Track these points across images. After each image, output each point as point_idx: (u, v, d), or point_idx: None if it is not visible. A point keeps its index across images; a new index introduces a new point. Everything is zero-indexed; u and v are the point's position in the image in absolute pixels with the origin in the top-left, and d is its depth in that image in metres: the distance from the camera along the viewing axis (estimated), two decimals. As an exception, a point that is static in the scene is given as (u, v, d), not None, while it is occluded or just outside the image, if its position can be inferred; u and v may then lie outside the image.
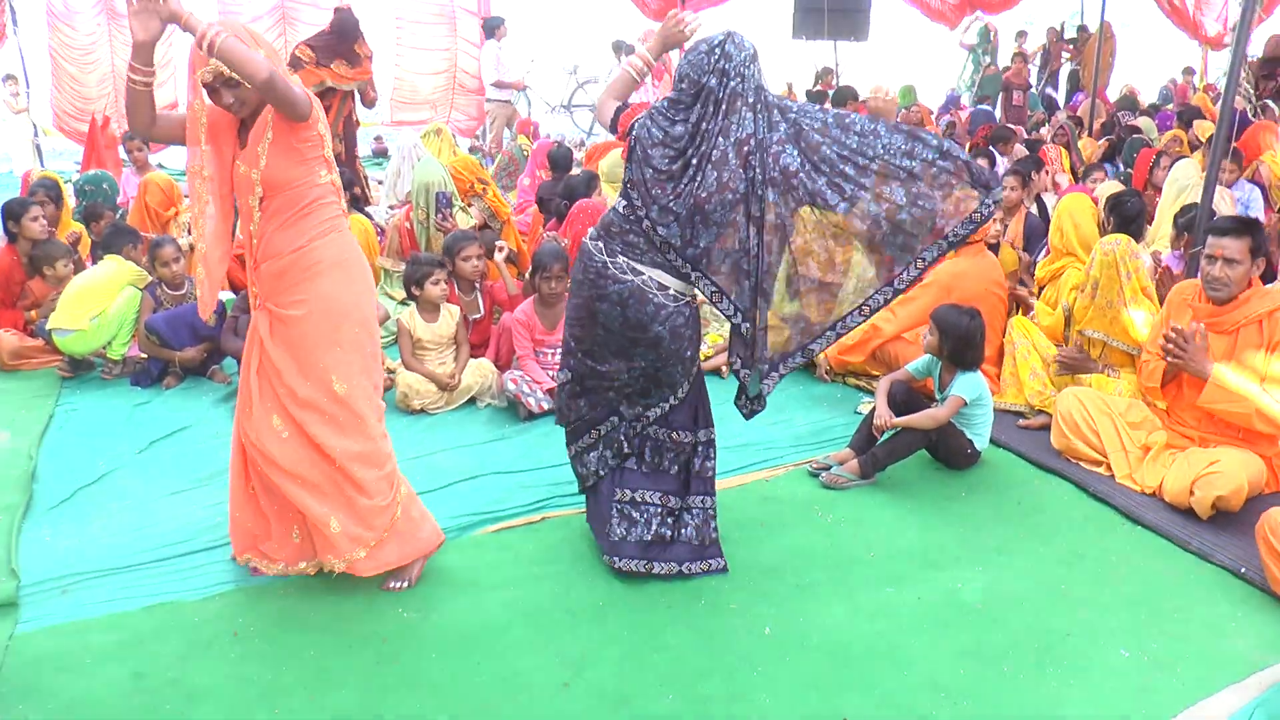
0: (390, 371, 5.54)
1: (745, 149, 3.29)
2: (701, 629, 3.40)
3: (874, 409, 4.57)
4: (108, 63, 13.32)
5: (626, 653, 3.28)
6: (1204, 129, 10.88)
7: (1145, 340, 4.71)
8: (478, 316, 5.85)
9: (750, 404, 3.69)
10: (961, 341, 4.51)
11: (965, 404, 4.46)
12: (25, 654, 3.28)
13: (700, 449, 3.77)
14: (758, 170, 3.29)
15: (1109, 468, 4.46)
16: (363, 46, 8.77)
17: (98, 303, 5.76)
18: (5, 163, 13.26)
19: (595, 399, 3.71)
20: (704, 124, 3.32)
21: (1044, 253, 6.15)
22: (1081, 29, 16.96)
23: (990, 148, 9.85)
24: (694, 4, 11.35)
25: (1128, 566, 3.81)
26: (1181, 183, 7.23)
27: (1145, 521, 4.09)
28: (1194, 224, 5.39)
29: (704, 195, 3.28)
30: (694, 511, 3.75)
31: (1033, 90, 15.85)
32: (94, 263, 7.01)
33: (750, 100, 3.32)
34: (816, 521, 4.14)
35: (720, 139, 3.29)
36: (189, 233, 3.25)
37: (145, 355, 5.89)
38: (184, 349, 5.79)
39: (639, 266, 3.45)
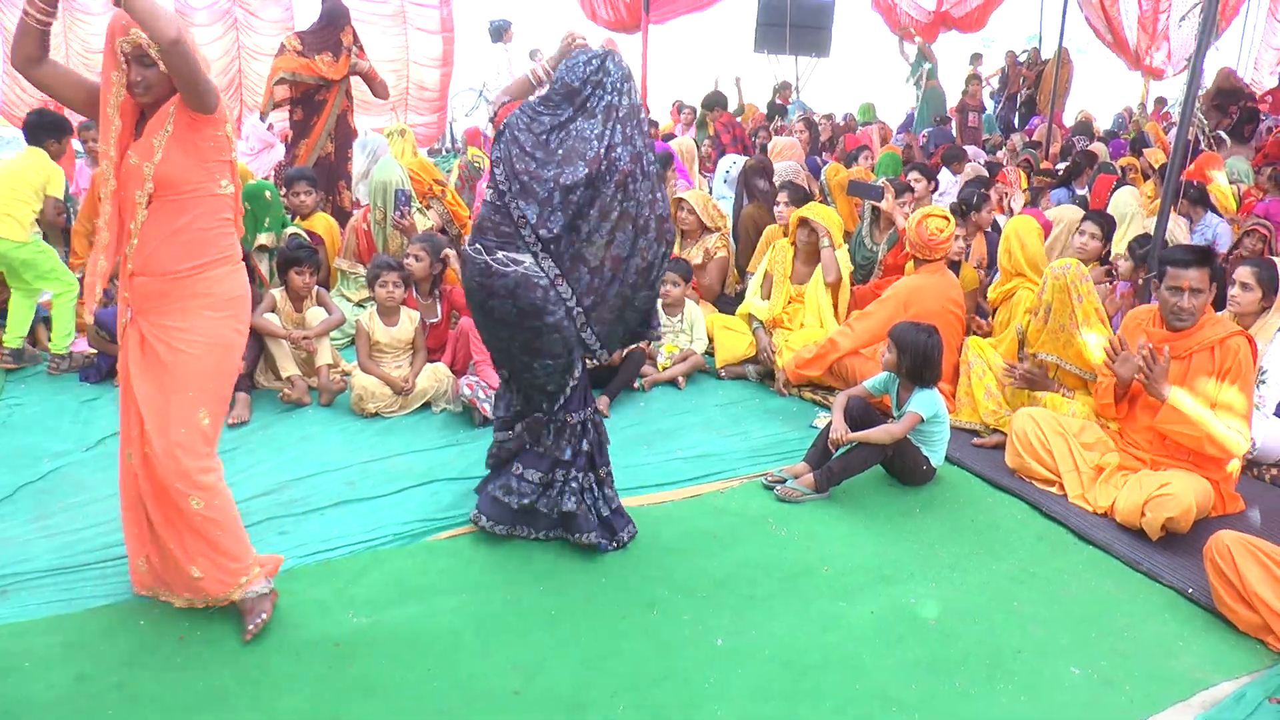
0: (345, 374, 5.48)
1: (613, 154, 3.58)
2: (654, 638, 3.38)
3: (830, 423, 4.58)
4: (63, 52, 13.08)
5: (578, 660, 3.26)
6: (1154, 157, 11.11)
7: (1098, 363, 4.76)
8: (435, 321, 5.80)
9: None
10: (919, 359, 4.54)
11: (922, 420, 4.49)
12: (-41, 657, 3.18)
13: (589, 426, 3.95)
14: (605, 165, 3.57)
15: (1062, 487, 4.51)
16: (348, 35, 8.33)
17: (26, 200, 5.74)
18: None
19: (524, 399, 3.92)
20: (571, 121, 3.61)
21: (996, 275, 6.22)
22: (1033, 52, 17.20)
23: (946, 167, 9.97)
24: (658, 16, 11.34)
25: (1079, 585, 3.84)
26: (1121, 210, 7.34)
27: (1096, 541, 4.13)
28: (1151, 253, 5.47)
29: (565, 182, 3.53)
30: (573, 483, 3.92)
31: (988, 113, 16.05)
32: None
33: (620, 114, 3.62)
34: (770, 534, 4.13)
35: (595, 144, 3.56)
36: (102, 220, 3.15)
37: (94, 350, 5.78)
38: None
39: (517, 256, 3.60)
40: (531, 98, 3.77)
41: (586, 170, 3.54)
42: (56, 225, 6.64)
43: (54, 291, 5.82)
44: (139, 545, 3.40)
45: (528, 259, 3.59)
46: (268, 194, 6.32)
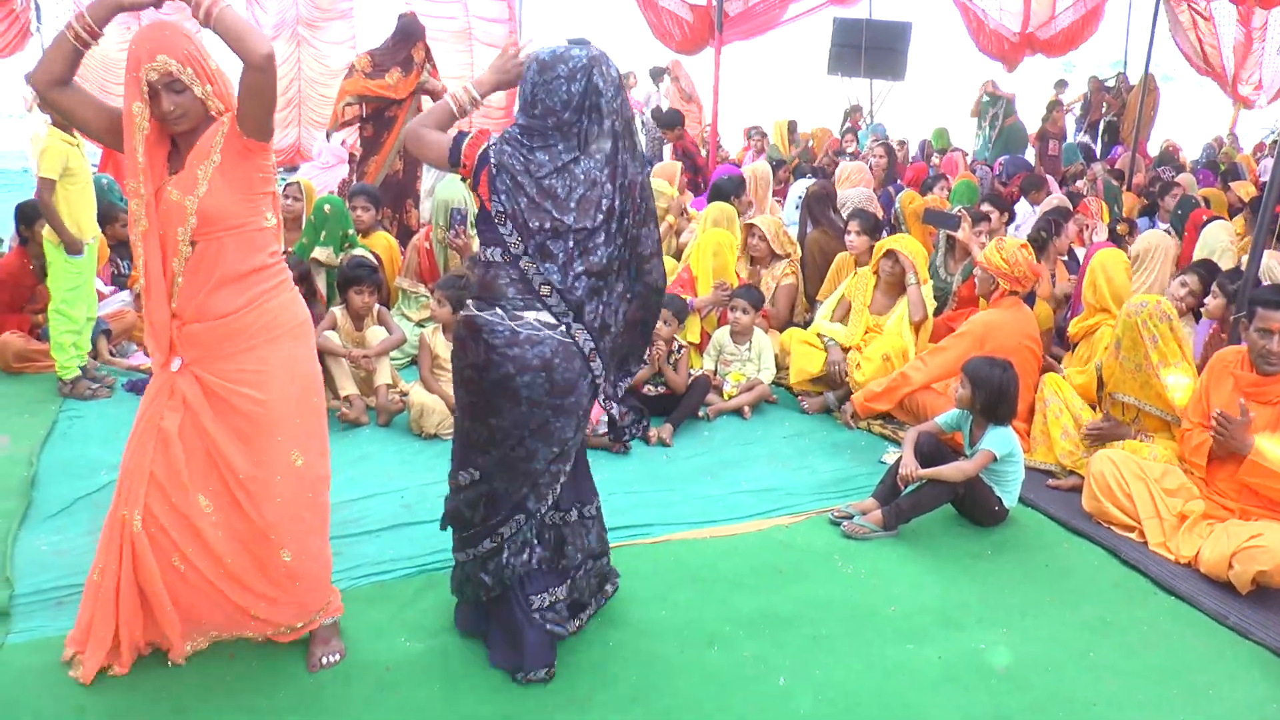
0: (404, 394, 5.46)
1: (623, 192, 3.08)
2: (714, 674, 3.30)
3: (899, 459, 4.46)
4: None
5: (630, 695, 3.19)
6: (1242, 189, 10.77)
7: (1183, 405, 4.57)
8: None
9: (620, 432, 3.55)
10: (995, 395, 4.40)
11: (995, 459, 4.34)
12: (14, 666, 3.20)
13: (590, 523, 3.45)
14: (618, 198, 3.08)
15: (1141, 534, 4.33)
16: (419, 52, 8.16)
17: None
18: (26, 160, 13.35)
19: (505, 500, 3.21)
20: (574, 163, 3.02)
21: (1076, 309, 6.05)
22: (1120, 77, 16.86)
23: (1023, 197, 9.75)
24: (728, 36, 11.26)
25: (1159, 637, 3.67)
26: (1211, 246, 7.08)
27: (1179, 591, 3.95)
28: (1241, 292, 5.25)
29: (582, 239, 3.04)
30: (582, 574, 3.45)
31: (1068, 140, 15.75)
32: (111, 266, 7.01)
33: (620, 134, 3.07)
34: (836, 571, 4.02)
35: (605, 187, 3.04)
36: (136, 265, 2.90)
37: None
38: None
39: (550, 319, 3.06)
40: (514, 129, 3.09)
41: (604, 220, 3.05)
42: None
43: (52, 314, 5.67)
44: (132, 623, 3.12)
45: (562, 325, 3.07)
46: (327, 208, 6.33)
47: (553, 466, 3.18)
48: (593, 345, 3.10)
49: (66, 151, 5.39)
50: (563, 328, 3.06)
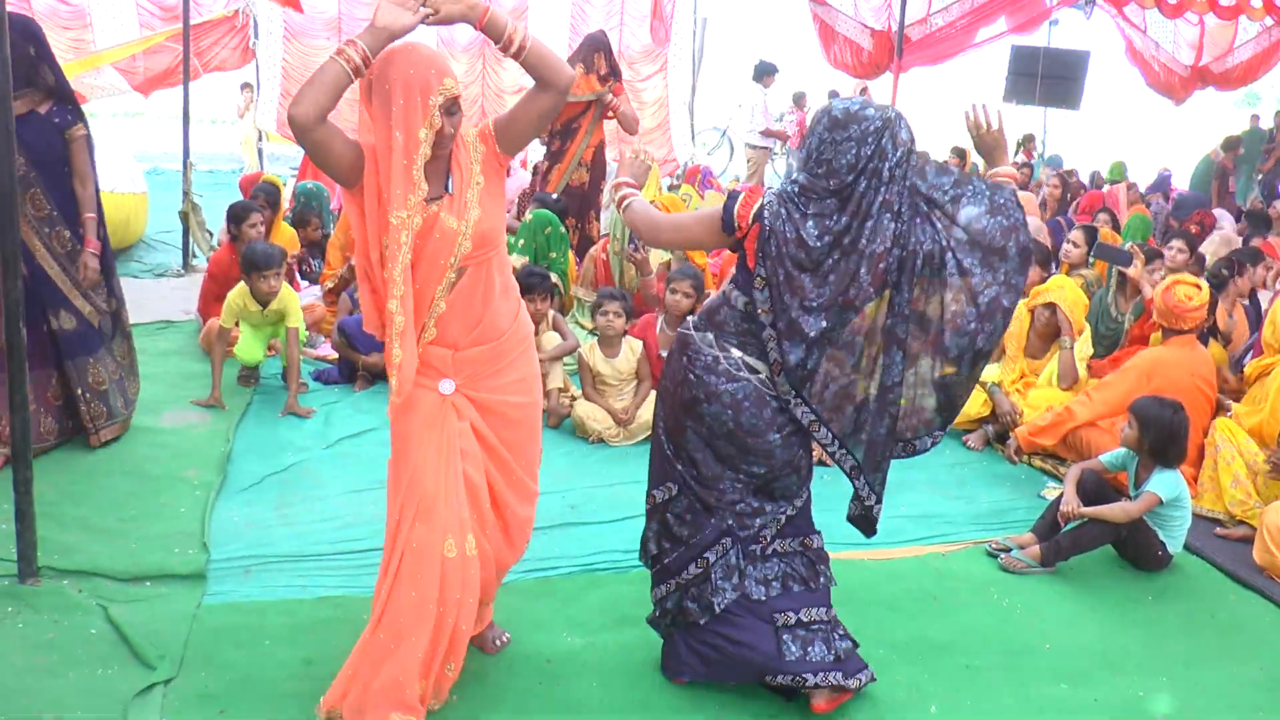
0: (574, 399, 5.63)
1: (881, 264, 2.93)
2: (867, 697, 3.31)
3: (1061, 495, 4.40)
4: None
5: (784, 710, 3.24)
6: None
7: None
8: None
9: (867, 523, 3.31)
10: (1164, 437, 4.30)
11: (1161, 502, 4.25)
12: (209, 625, 3.49)
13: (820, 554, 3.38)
14: (902, 282, 2.95)
15: (1319, 592, 4.17)
16: (600, 60, 8.10)
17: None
18: (237, 163, 14.28)
19: (701, 518, 3.21)
20: (845, 233, 2.91)
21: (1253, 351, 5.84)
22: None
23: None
24: (907, 62, 11.22)
25: (1335, 702, 3.52)
26: None
27: (1357, 655, 3.79)
28: None
29: (832, 321, 2.96)
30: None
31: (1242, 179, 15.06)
32: (300, 267, 7.43)
33: (894, 205, 2.91)
34: (993, 604, 4.00)
35: (864, 259, 2.92)
36: (392, 298, 2.77)
37: (335, 355, 6.19)
38: (371, 354, 5.98)
39: (756, 364, 3.06)
40: (791, 187, 3.00)
41: (858, 295, 2.94)
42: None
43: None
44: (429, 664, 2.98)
45: (765, 370, 3.06)
46: (548, 229, 6.72)
47: (751, 500, 3.17)
48: (813, 417, 3.05)
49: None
50: (765, 371, 3.05)
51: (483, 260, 2.90)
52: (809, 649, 3.15)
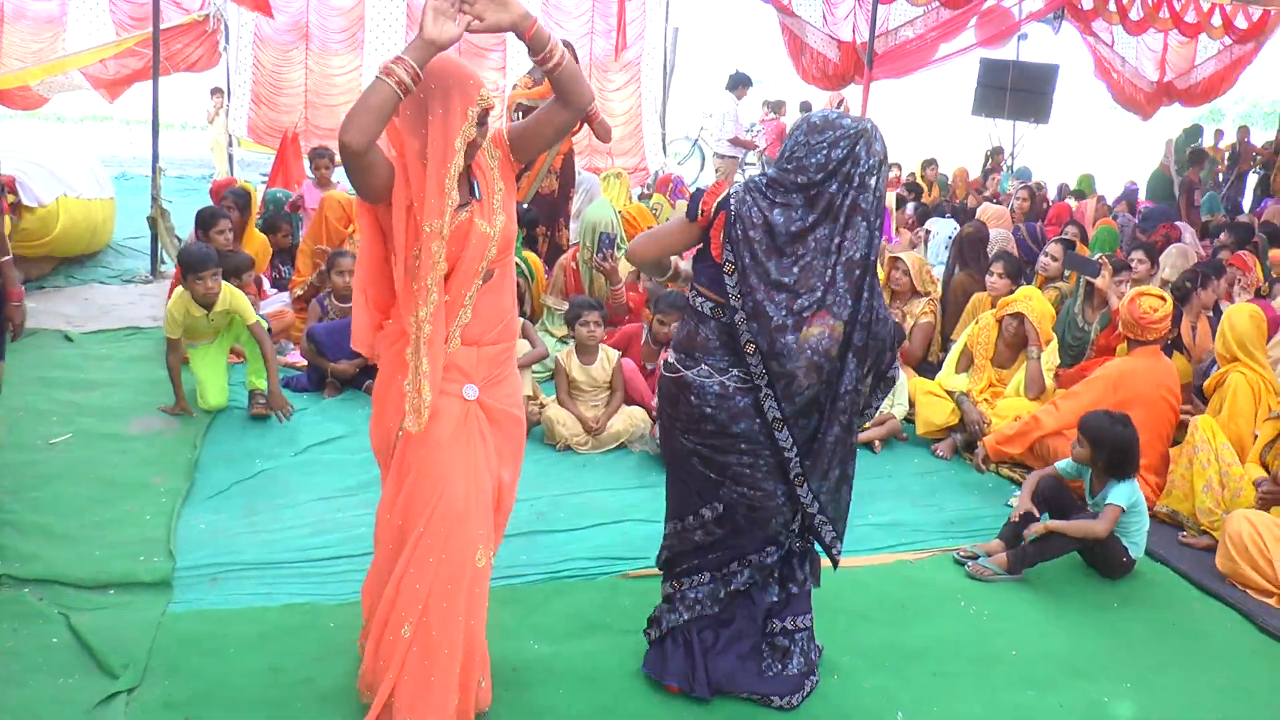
0: (543, 406, 5.62)
1: (856, 271, 3.01)
2: (834, 704, 3.35)
3: (1027, 513, 4.44)
4: (300, 84, 14.11)
5: (749, 713, 3.26)
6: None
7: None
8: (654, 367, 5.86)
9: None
10: (1118, 453, 4.36)
11: (1124, 512, 4.30)
12: (174, 633, 3.46)
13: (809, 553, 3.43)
14: (864, 288, 3.02)
15: (1281, 600, 4.21)
16: None
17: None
18: (207, 168, 14.21)
19: (751, 533, 3.24)
20: (812, 230, 2.99)
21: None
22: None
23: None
24: (875, 74, 11.28)
25: (1299, 710, 3.56)
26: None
27: (1321, 663, 3.84)
28: None
29: (799, 308, 3.00)
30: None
31: (1210, 193, 15.26)
32: (271, 272, 7.39)
33: (866, 211, 2.99)
34: (959, 611, 4.03)
35: (834, 257, 2.99)
36: (422, 307, 2.72)
37: (305, 362, 6.14)
38: (340, 360, 5.96)
39: (745, 378, 3.10)
40: (760, 179, 3.08)
41: (822, 297, 3.00)
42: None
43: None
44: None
45: (753, 385, 3.09)
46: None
47: (780, 501, 3.19)
48: (778, 414, 3.07)
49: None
50: (754, 386, 3.07)
51: (505, 264, 2.94)
52: (788, 663, 3.30)
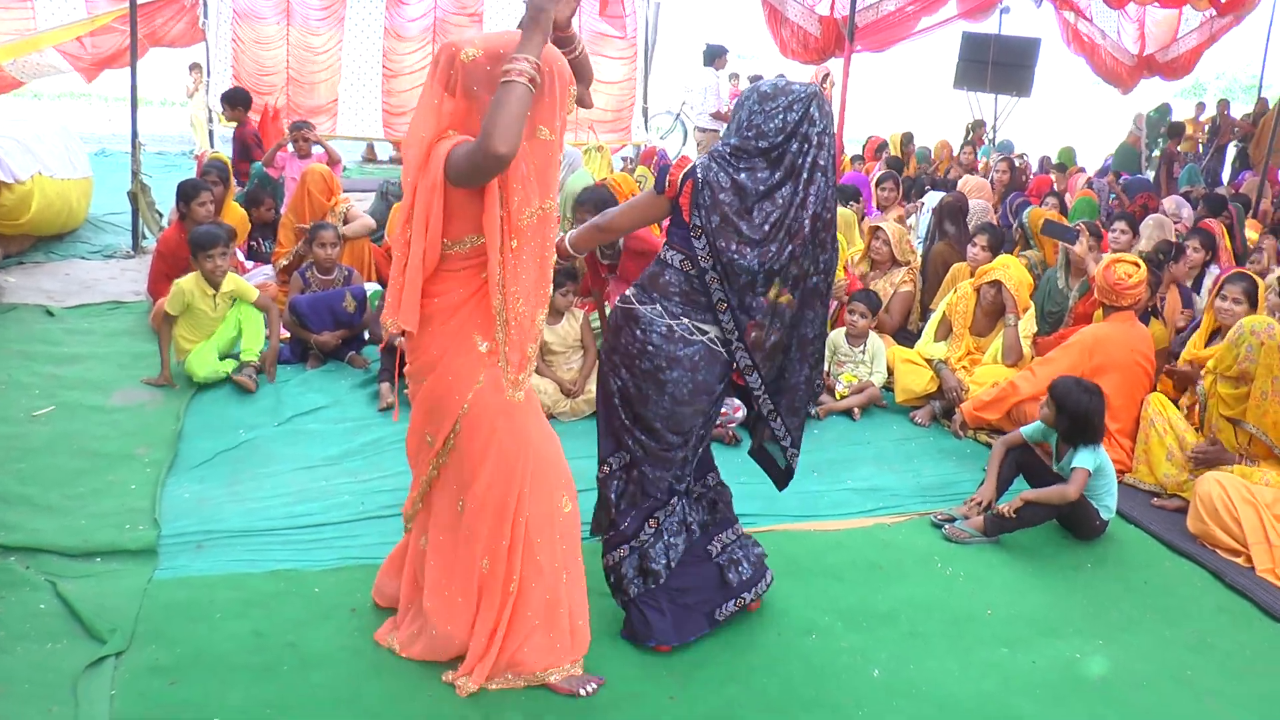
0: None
1: (819, 222, 3.19)
2: (811, 663, 3.40)
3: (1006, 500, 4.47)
4: (283, 59, 14.01)
5: (727, 675, 3.31)
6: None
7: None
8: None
9: (785, 477, 3.60)
10: (1079, 421, 4.41)
11: (1090, 475, 4.37)
12: (160, 600, 3.50)
13: (721, 488, 3.71)
14: (826, 240, 3.24)
15: (1249, 559, 4.28)
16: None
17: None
18: (187, 144, 14.14)
19: (654, 485, 3.39)
20: (777, 188, 3.15)
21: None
22: (1260, 103, 16.35)
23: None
24: (858, 48, 11.25)
25: (1264, 663, 3.64)
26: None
27: (1285, 618, 3.91)
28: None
29: (769, 266, 3.16)
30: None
31: (1189, 165, 15.35)
32: (249, 244, 7.39)
33: (825, 168, 3.17)
34: (935, 573, 4.09)
35: (799, 211, 3.15)
36: (500, 293, 2.87)
37: (287, 334, 6.16)
38: (322, 332, 6.01)
39: (704, 326, 3.24)
40: (723, 147, 3.21)
41: (791, 249, 3.16)
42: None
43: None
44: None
45: (714, 330, 3.24)
46: None
47: (682, 454, 3.38)
48: (749, 361, 3.26)
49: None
50: (713, 330, 3.23)
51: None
52: (740, 569, 3.54)
